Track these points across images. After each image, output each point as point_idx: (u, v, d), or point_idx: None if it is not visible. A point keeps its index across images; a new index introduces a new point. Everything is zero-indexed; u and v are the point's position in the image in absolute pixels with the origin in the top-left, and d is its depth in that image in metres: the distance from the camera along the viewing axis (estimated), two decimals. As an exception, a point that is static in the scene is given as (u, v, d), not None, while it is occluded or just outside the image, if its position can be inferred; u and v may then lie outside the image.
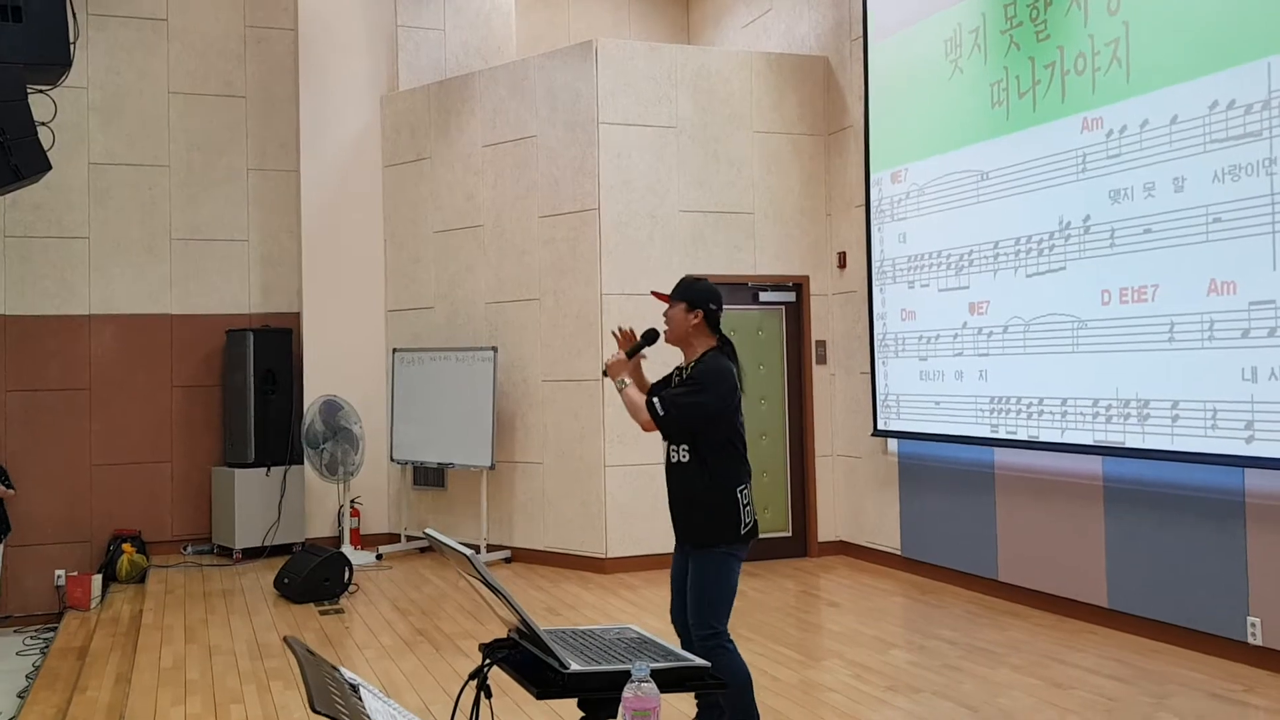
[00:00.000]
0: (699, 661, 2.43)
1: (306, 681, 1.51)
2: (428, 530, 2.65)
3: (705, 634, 3.84)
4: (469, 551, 2.27)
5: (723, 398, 3.85)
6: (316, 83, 9.17)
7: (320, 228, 9.12)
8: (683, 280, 4.08)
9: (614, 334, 4.17)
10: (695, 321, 3.95)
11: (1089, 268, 5.91)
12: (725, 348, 4.00)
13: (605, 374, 4.05)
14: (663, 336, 4.07)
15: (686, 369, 3.99)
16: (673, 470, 3.97)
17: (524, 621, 2.28)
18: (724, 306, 4.08)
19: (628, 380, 3.99)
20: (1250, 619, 5.15)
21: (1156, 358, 5.49)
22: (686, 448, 3.90)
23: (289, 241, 9.35)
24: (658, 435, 3.97)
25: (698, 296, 3.97)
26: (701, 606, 3.85)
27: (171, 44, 9.15)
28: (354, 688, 1.68)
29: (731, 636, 3.90)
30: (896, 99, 7.55)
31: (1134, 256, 5.62)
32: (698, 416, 3.82)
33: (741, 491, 3.88)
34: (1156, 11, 5.49)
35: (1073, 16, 6.03)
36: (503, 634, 2.70)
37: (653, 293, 4.22)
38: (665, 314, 4.03)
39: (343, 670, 1.81)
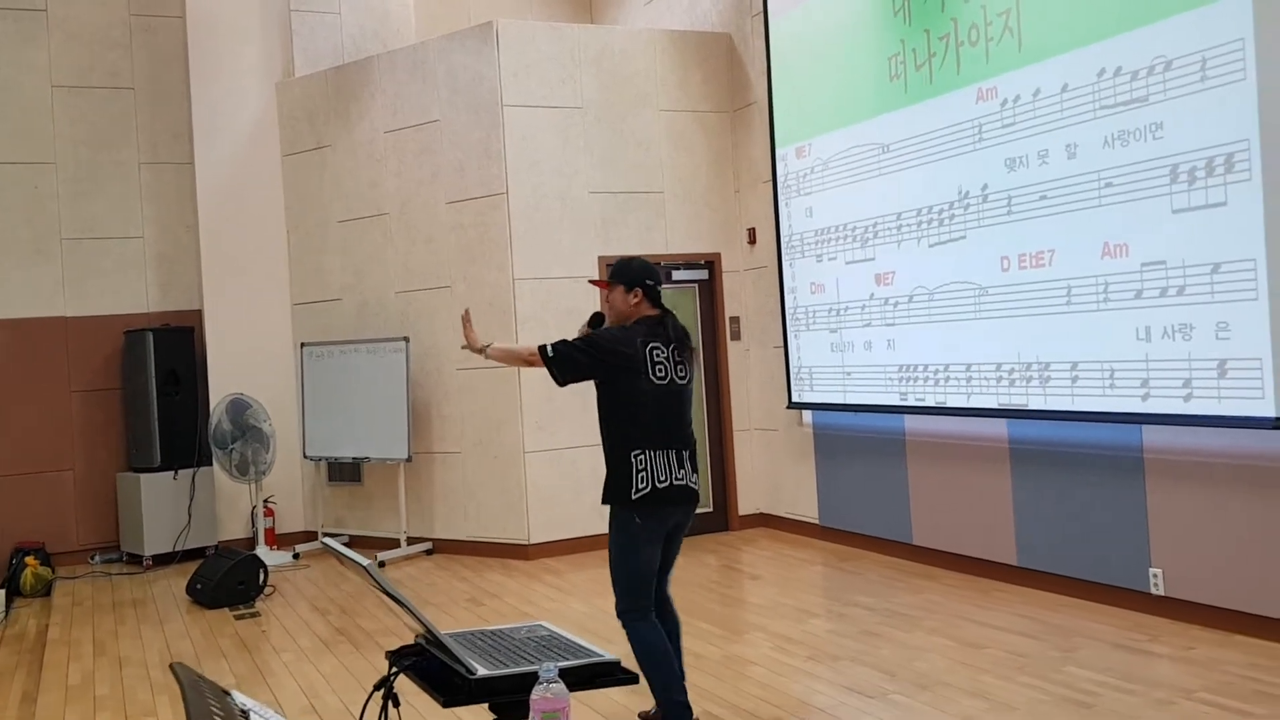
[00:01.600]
0: (608, 656, 2.42)
1: (189, 713, 1.47)
2: (324, 540, 2.59)
3: (619, 610, 4.01)
4: (366, 562, 2.23)
5: (615, 355, 3.98)
6: (208, 72, 8.91)
7: (219, 221, 8.88)
8: (617, 263, 4.24)
9: (463, 317, 4.33)
10: (636, 300, 4.12)
11: (988, 236, 6.01)
12: (666, 318, 4.15)
13: (484, 352, 4.20)
14: (607, 321, 4.23)
15: None
16: (601, 434, 4.16)
17: (428, 629, 2.24)
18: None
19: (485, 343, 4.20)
20: (1152, 570, 5.32)
21: (1055, 321, 5.62)
22: (600, 414, 4.10)
23: (186, 237, 9.09)
24: (580, 417, 4.17)
25: (634, 275, 4.13)
26: (613, 582, 4.02)
27: (52, 35, 8.80)
28: (244, 713, 1.64)
29: (646, 609, 3.99)
30: (798, 74, 7.59)
31: (1031, 223, 5.73)
32: (583, 361, 4.01)
33: (637, 456, 3.96)
34: (1043, -19, 5.58)
35: (964, -13, 6.10)
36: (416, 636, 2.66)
37: (590, 281, 4.44)
38: (606, 299, 4.19)
39: (235, 695, 1.76)
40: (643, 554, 3.98)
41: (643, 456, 3.97)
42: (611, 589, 4.05)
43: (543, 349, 4.01)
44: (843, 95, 7.14)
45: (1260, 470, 4.81)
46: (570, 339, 4.10)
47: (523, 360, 4.12)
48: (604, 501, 4.07)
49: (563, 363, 4.01)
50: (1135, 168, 5.14)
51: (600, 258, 7.98)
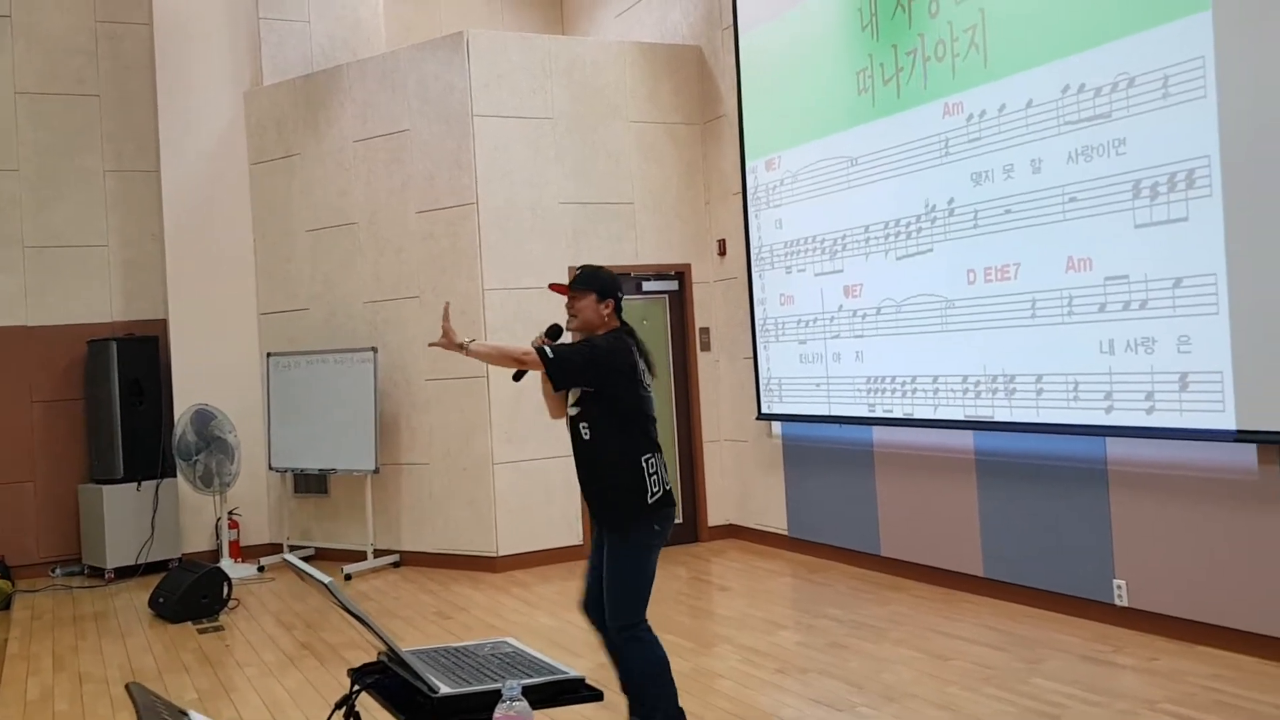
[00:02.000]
0: (573, 674, 2.41)
1: (143, 738, 1.44)
2: (287, 557, 2.56)
3: (621, 625, 3.83)
4: (327, 580, 2.20)
5: (614, 361, 3.84)
6: (175, 79, 8.83)
7: (185, 230, 8.80)
8: (584, 270, 4.03)
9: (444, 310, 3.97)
10: (606, 311, 3.96)
11: (954, 249, 6.05)
12: (629, 332, 4.01)
13: (464, 349, 3.84)
14: (567, 325, 4.04)
15: None
16: (583, 447, 3.95)
17: (390, 647, 2.22)
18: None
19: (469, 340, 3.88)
20: (1116, 581, 5.36)
21: (1021, 334, 5.66)
22: (587, 425, 3.90)
23: (151, 245, 9.00)
24: (549, 429, 4.00)
25: (607, 286, 3.97)
26: (619, 599, 3.83)
27: (16, 41, 8.70)
28: (201, 735, 1.61)
29: (649, 625, 3.88)
30: (768, 87, 7.62)
31: (996, 237, 5.78)
32: (586, 363, 3.81)
33: (648, 460, 3.88)
34: (1009, -2, 5.64)
35: (931, 4, 6.14)
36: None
37: (551, 286, 4.15)
38: (571, 305, 3.98)
39: (192, 715, 1.74)
40: (653, 562, 3.90)
41: (653, 460, 3.90)
42: (611, 604, 3.85)
43: (541, 351, 3.75)
44: (812, 108, 7.17)
45: (1222, 482, 4.86)
46: (565, 342, 3.90)
47: (512, 360, 3.83)
48: (613, 519, 3.86)
49: (564, 365, 3.78)
50: (1099, 183, 5.20)
51: (570, 268, 7.94)
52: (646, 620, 3.88)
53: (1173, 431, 4.92)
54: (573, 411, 3.96)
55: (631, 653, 3.83)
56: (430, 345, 3.99)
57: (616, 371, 3.86)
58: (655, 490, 3.88)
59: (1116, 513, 5.35)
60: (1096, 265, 5.22)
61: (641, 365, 3.96)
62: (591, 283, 3.96)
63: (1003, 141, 5.72)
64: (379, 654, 2.52)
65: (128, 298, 8.96)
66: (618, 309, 4.01)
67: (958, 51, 5.98)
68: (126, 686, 1.74)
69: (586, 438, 3.93)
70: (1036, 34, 5.49)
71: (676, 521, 8.18)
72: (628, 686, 3.94)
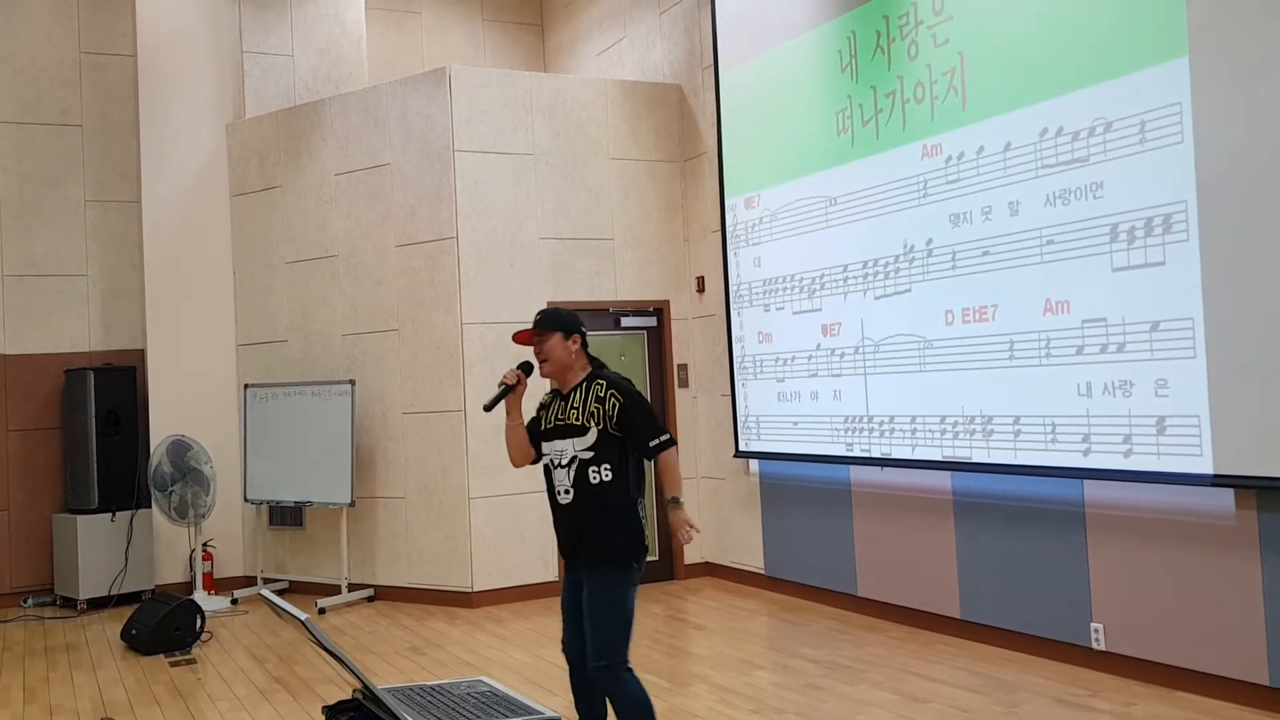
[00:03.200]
0: (548, 714, 2.39)
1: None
2: (262, 592, 2.54)
3: (602, 665, 3.81)
4: (303, 616, 2.19)
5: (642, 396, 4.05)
6: (158, 111, 8.83)
7: (164, 261, 8.77)
8: (545, 314, 4.08)
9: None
10: (575, 348, 4.01)
11: (933, 289, 6.10)
12: (599, 368, 4.08)
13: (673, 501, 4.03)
14: (540, 371, 4.06)
15: (579, 395, 3.98)
16: (592, 492, 3.90)
17: (365, 685, 2.20)
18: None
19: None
20: (1094, 624, 5.37)
21: (998, 375, 5.70)
22: (609, 466, 3.89)
23: (131, 276, 8.97)
24: (526, 467, 4.08)
25: (570, 323, 4.03)
26: (605, 636, 3.82)
27: (0, 70, 8.69)
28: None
29: (630, 664, 3.88)
30: (748, 126, 7.68)
31: (974, 278, 5.83)
32: (648, 408, 4.01)
33: (641, 504, 4.00)
34: (989, 42, 5.72)
35: (910, 47, 6.23)
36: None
37: (514, 337, 4.13)
38: (540, 348, 4.01)
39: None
40: (634, 600, 3.96)
41: (642, 503, 3.99)
42: (597, 642, 3.84)
43: (668, 442, 3.94)
44: (791, 148, 7.24)
45: (1199, 526, 4.89)
46: (636, 424, 3.92)
47: (679, 475, 4.03)
48: (602, 561, 3.88)
49: (663, 427, 4.01)
50: (1076, 226, 5.26)
51: (550, 302, 7.98)
52: (628, 661, 3.87)
53: (1150, 475, 4.95)
54: (584, 456, 3.91)
55: (619, 691, 3.82)
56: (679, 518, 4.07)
57: None
58: (645, 535, 4.00)
59: (1094, 556, 5.37)
60: (1074, 308, 5.27)
61: None
62: (554, 323, 4.01)
63: (981, 184, 5.78)
64: (354, 691, 2.50)
65: (106, 328, 8.91)
66: (584, 345, 4.06)
67: (936, 94, 6.06)
68: (96, 725, 1.71)
69: (600, 482, 3.90)
70: (1015, 78, 5.57)
71: (650, 558, 8.21)
72: None
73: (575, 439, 3.92)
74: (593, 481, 3.90)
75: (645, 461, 4.00)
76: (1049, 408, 5.42)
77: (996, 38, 5.67)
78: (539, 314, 4.09)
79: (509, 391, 4.02)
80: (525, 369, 4.07)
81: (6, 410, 8.57)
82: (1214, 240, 4.65)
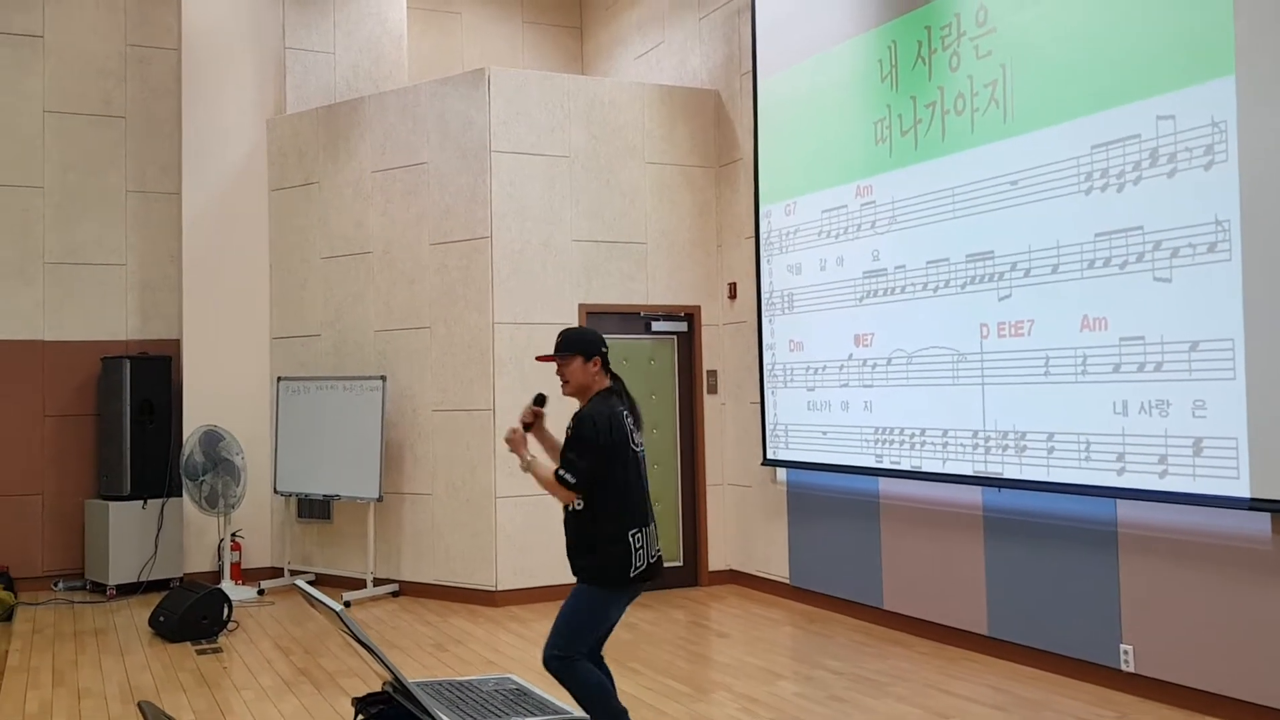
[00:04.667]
0: (577, 714, 2.39)
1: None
2: (297, 582, 2.57)
3: (555, 654, 3.93)
4: (338, 607, 2.20)
5: (611, 439, 3.96)
6: (200, 104, 8.93)
7: (202, 252, 8.86)
8: (565, 336, 4.16)
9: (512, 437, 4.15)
10: (595, 369, 4.10)
11: (968, 302, 6.06)
12: (616, 384, 4.15)
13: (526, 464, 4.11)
14: (561, 391, 4.18)
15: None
16: (571, 518, 4.06)
17: (397, 678, 2.22)
18: (612, 337, 4.19)
19: (530, 456, 4.08)
20: (1123, 646, 5.32)
21: (1033, 391, 5.66)
22: (579, 498, 4.00)
23: (169, 266, 9.07)
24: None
25: (590, 345, 4.11)
26: (566, 628, 3.95)
27: (48, 61, 8.82)
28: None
29: (581, 656, 3.97)
30: (784, 133, 7.67)
31: (1011, 292, 5.79)
32: (600, 464, 3.94)
33: (635, 535, 3.98)
34: (1032, 56, 5.69)
35: (952, 58, 6.20)
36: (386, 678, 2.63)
37: (539, 358, 4.31)
38: (561, 372, 4.13)
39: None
40: (609, 616, 4.03)
41: (639, 535, 3.99)
42: (554, 631, 3.98)
43: (561, 478, 3.92)
44: (827, 157, 7.22)
45: (1234, 550, 4.84)
46: (566, 453, 3.98)
47: (550, 491, 4.00)
48: (589, 581, 3.99)
49: (583, 478, 3.92)
50: (1117, 242, 5.21)
51: (581, 305, 8.00)
52: (579, 654, 3.95)
53: (1185, 496, 4.90)
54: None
55: (570, 679, 3.92)
56: (506, 439, 4.14)
57: (613, 448, 3.97)
58: (639, 565, 3.98)
59: (1125, 576, 5.32)
60: (1112, 325, 5.23)
61: (630, 424, 4.06)
62: (575, 346, 4.11)
63: (1020, 197, 5.74)
64: (384, 684, 2.52)
65: (143, 317, 9.01)
66: (605, 364, 4.14)
67: (977, 106, 6.03)
68: (139, 705, 1.74)
69: (572, 510, 4.03)
70: (1057, 92, 5.53)
71: (675, 564, 8.20)
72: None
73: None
74: (572, 509, 4.04)
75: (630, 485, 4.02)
76: (1084, 425, 5.37)
77: (1040, 51, 5.64)
78: (561, 335, 4.17)
79: (529, 428, 4.19)
80: (539, 402, 4.23)
81: (44, 396, 8.68)
82: (1256, 261, 4.60)
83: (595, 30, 10.61)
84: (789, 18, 7.63)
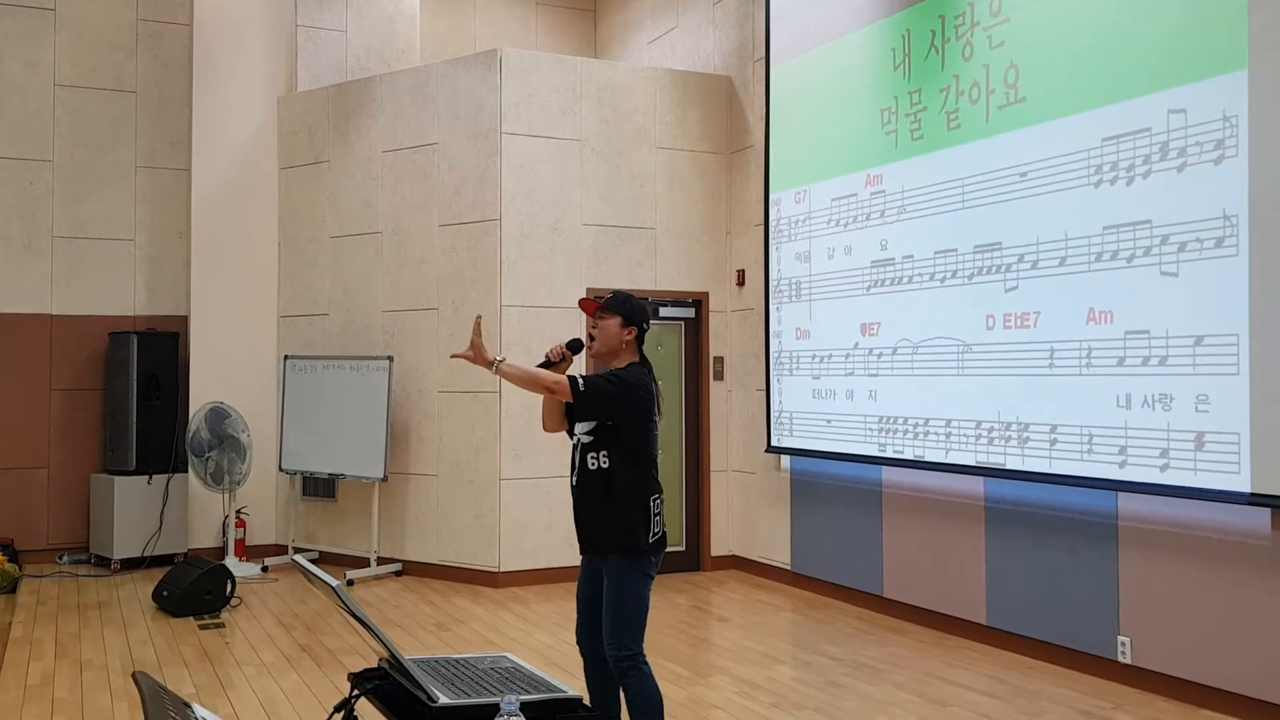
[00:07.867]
0: (571, 693, 2.41)
1: (147, 727, 1.45)
2: (295, 558, 2.58)
3: (622, 655, 3.81)
4: (335, 583, 2.22)
5: (638, 398, 3.86)
6: (211, 80, 8.94)
7: (211, 229, 8.88)
8: (617, 295, 4.04)
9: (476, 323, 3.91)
10: (628, 337, 3.96)
11: (975, 293, 6.06)
12: (646, 366, 4.01)
13: (495, 366, 3.80)
14: (587, 349, 4.04)
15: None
16: (590, 477, 3.91)
17: (392, 654, 2.23)
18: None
19: (501, 356, 3.83)
20: (1121, 638, 5.33)
21: (1037, 383, 5.66)
22: (606, 454, 3.88)
23: (178, 242, 9.09)
24: (558, 448, 3.99)
25: (635, 313, 3.98)
26: (618, 626, 3.82)
27: (59, 34, 8.83)
28: (203, 729, 1.62)
29: (646, 657, 3.87)
30: (797, 121, 7.66)
31: (1018, 284, 5.78)
32: (611, 399, 3.81)
33: (654, 500, 3.91)
34: (1046, 47, 5.67)
35: (965, 48, 6.18)
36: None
37: (581, 302, 4.15)
38: (595, 325, 3.99)
39: (195, 708, 1.75)
40: (649, 592, 3.90)
41: (658, 500, 3.92)
42: (610, 632, 3.83)
43: (573, 380, 3.74)
44: (839, 144, 7.20)
45: (1233, 545, 4.84)
46: (595, 378, 3.84)
47: (542, 386, 3.76)
48: (607, 550, 3.86)
49: (592, 396, 3.77)
50: (1125, 236, 5.20)
51: (589, 289, 8.00)
52: (644, 652, 3.88)
53: (1186, 490, 4.90)
54: (585, 439, 3.93)
55: (632, 684, 3.81)
56: (453, 356, 3.95)
57: (639, 408, 3.87)
58: (656, 531, 3.89)
59: (1125, 569, 5.33)
60: (1118, 318, 5.22)
61: (655, 396, 3.98)
62: (621, 307, 3.97)
63: (1030, 188, 5.73)
64: (380, 660, 2.53)
65: (151, 293, 9.04)
66: (639, 340, 4.01)
67: (989, 97, 6.01)
68: (133, 675, 1.76)
69: (597, 468, 3.90)
70: (1070, 83, 5.51)
71: (677, 549, 8.23)
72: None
73: (585, 421, 3.92)
74: (590, 467, 3.91)
75: (649, 454, 3.96)
76: (1087, 418, 5.37)
77: (1053, 43, 5.62)
78: (612, 293, 4.05)
79: (549, 367, 3.97)
80: (573, 347, 4.02)
81: (51, 370, 8.72)
82: (1263, 257, 4.59)
83: (609, 13, 10.58)
84: (803, 4, 7.60)
